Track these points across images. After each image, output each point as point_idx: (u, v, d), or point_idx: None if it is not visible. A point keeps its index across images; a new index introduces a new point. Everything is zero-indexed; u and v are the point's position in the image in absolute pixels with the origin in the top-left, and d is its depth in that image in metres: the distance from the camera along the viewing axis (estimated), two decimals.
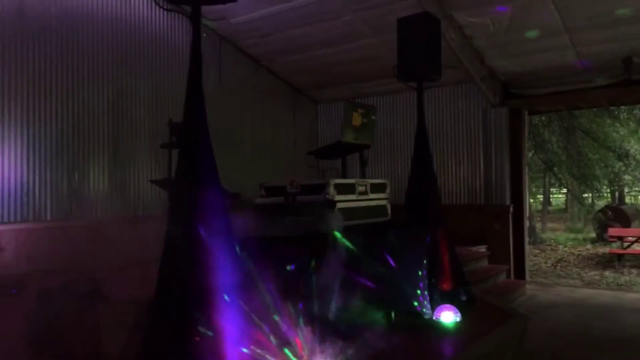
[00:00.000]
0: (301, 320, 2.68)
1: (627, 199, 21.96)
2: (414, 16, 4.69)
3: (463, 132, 8.62)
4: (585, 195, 17.18)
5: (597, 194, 16.46)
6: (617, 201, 19.08)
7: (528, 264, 8.59)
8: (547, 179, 18.80)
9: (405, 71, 4.64)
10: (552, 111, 10.74)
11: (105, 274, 4.17)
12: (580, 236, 16.03)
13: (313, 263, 2.86)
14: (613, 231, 11.77)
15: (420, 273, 3.88)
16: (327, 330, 2.86)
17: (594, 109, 12.74)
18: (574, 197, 17.90)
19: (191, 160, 2.56)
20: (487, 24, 6.82)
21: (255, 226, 2.90)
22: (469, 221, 8.12)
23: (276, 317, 2.56)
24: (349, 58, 8.26)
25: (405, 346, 3.48)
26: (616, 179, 17.01)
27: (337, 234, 2.87)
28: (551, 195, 25.16)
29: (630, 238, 11.41)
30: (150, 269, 3.30)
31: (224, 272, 2.44)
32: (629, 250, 11.22)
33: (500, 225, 8.09)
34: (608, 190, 19.15)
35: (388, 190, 3.89)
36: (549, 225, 18.93)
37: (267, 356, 2.48)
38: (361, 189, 3.56)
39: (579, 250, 13.59)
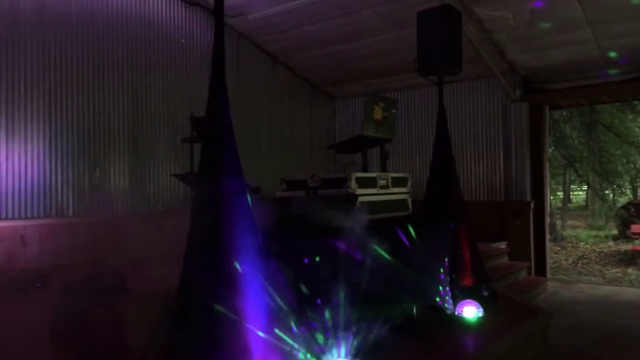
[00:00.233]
0: (323, 311, 2.68)
1: None
2: (435, 9, 4.63)
3: (482, 128, 8.53)
4: (607, 192, 16.87)
5: (619, 190, 16.15)
6: (639, 198, 18.72)
7: (549, 261, 8.47)
8: (567, 176, 18.53)
9: (426, 65, 4.59)
10: (574, 106, 10.55)
11: (127, 269, 4.21)
12: (601, 233, 15.77)
13: (336, 256, 2.85)
14: (636, 228, 11.56)
15: (442, 268, 3.85)
16: (347, 322, 2.85)
17: (617, 104, 12.51)
18: (595, 194, 17.60)
19: (215, 153, 2.56)
20: (507, 18, 6.72)
21: (277, 218, 2.90)
22: (489, 217, 8.04)
23: (299, 306, 2.57)
24: (366, 53, 8.21)
25: (426, 342, 3.46)
26: (638, 175, 16.68)
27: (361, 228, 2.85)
28: (571, 193, 24.79)
29: None
30: (171, 264, 3.32)
31: (248, 262, 2.44)
32: None
33: (520, 221, 7.99)
34: (630, 187, 18.80)
35: (409, 184, 3.86)
36: (570, 222, 18.65)
37: (291, 342, 2.49)
38: (382, 182, 3.53)
39: (600, 248, 13.37)
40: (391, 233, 3.47)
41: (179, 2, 7.41)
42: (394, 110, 4.01)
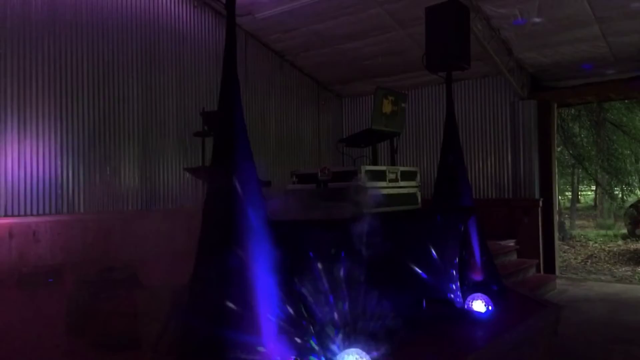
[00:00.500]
0: (332, 303, 2.70)
1: None
2: (442, 5, 4.65)
3: (490, 126, 8.52)
4: (616, 190, 16.76)
5: (628, 189, 16.03)
6: None
7: (558, 259, 8.44)
8: (575, 176, 18.44)
9: (434, 61, 4.61)
10: (582, 103, 10.52)
11: (138, 264, 4.26)
12: (610, 232, 15.66)
13: (344, 247, 2.87)
14: None
15: (451, 262, 3.86)
16: (357, 315, 2.87)
17: (625, 102, 12.44)
18: (604, 192, 17.49)
19: (228, 146, 2.60)
20: (515, 15, 6.72)
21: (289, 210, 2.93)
22: (497, 215, 8.03)
23: (308, 297, 2.59)
24: (374, 51, 8.23)
25: (436, 335, 3.47)
26: None
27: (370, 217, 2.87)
28: (580, 193, 24.65)
29: None
30: (181, 259, 3.35)
31: (260, 254, 2.47)
32: None
33: (529, 219, 7.98)
34: (639, 186, 18.67)
35: (418, 178, 3.88)
36: (578, 223, 18.55)
37: (300, 333, 2.51)
38: (392, 176, 3.55)
39: (609, 247, 13.29)
40: (400, 226, 3.49)
41: (188, 1, 7.48)
42: (403, 105, 4.02)
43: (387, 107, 3.81)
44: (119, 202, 6.50)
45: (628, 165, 14.74)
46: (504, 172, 8.35)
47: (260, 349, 2.42)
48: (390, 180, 3.55)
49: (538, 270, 7.77)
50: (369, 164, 3.92)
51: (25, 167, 5.73)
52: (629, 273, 9.76)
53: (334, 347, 2.68)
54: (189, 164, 7.02)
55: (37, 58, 5.88)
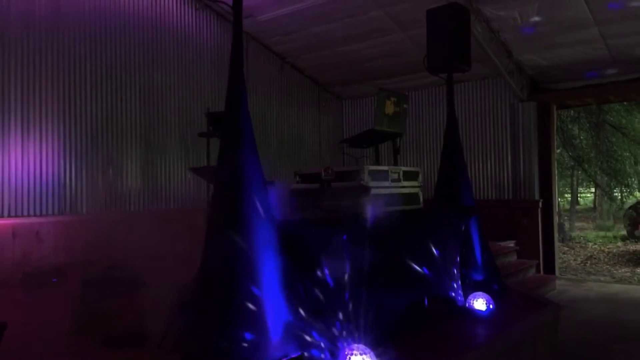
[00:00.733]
0: (338, 299, 2.73)
1: None
2: (443, 7, 4.71)
3: (490, 127, 8.57)
4: (615, 192, 16.81)
5: (628, 191, 16.09)
6: None
7: (557, 260, 8.47)
8: (574, 177, 18.49)
9: (436, 63, 4.66)
10: (581, 105, 10.56)
11: (141, 264, 4.28)
12: (610, 234, 15.69)
13: (347, 245, 2.91)
14: None
15: (453, 260, 3.89)
16: (360, 311, 2.90)
17: (625, 104, 12.49)
18: (603, 194, 17.54)
19: (235, 144, 2.63)
20: (514, 17, 6.77)
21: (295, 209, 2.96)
22: (497, 216, 8.07)
23: (316, 294, 2.62)
24: (374, 54, 8.28)
25: (437, 332, 3.51)
26: None
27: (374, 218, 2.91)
28: (579, 195, 24.69)
29: None
30: (184, 259, 3.38)
31: (266, 250, 2.51)
32: None
33: (528, 220, 8.02)
34: (638, 187, 18.72)
35: (420, 178, 3.92)
36: (578, 224, 18.58)
37: (308, 330, 2.54)
38: (394, 176, 3.59)
39: (609, 248, 13.32)
40: (402, 225, 3.52)
41: (190, 4, 7.53)
42: (405, 106, 4.07)
43: (390, 108, 3.85)
44: (122, 203, 6.54)
45: (627, 167, 14.79)
46: (504, 173, 8.40)
47: (265, 344, 2.45)
48: (393, 180, 3.59)
49: (538, 271, 7.80)
50: (371, 164, 3.96)
51: (28, 168, 5.76)
52: (629, 274, 9.79)
53: (337, 343, 2.72)
54: (191, 165, 7.05)
55: (41, 59, 5.91)
